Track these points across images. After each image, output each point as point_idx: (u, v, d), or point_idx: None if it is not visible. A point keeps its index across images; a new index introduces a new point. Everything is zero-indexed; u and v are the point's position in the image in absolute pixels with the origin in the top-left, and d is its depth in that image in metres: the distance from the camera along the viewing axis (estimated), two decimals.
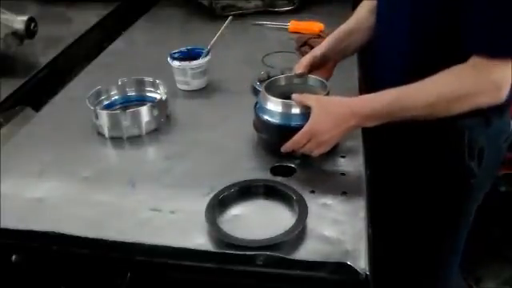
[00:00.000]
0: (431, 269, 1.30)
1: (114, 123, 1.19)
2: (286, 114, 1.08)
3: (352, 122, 1.02)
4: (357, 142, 1.14)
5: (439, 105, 1.00)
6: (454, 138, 1.13)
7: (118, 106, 1.30)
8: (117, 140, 1.20)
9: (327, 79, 1.21)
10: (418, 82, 1.00)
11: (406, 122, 1.02)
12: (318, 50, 1.22)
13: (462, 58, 0.99)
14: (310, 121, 1.03)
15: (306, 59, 1.19)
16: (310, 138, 1.03)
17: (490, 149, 1.15)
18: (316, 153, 1.05)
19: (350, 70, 1.41)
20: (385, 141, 1.21)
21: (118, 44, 1.74)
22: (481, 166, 1.16)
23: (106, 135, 1.21)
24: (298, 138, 1.04)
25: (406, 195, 1.24)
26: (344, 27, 1.27)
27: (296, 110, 1.08)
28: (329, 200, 0.99)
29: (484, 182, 1.22)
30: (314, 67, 1.20)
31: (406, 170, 1.22)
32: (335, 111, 1.04)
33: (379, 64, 1.22)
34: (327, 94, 1.11)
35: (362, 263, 0.85)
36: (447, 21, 1.02)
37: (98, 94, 1.28)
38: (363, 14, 1.27)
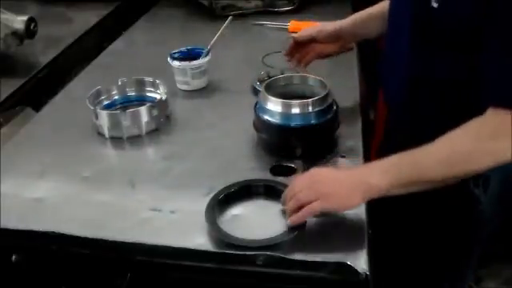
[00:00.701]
0: (433, 270, 1.29)
1: (114, 123, 1.19)
2: (285, 114, 1.08)
3: (360, 177, 0.90)
4: (357, 142, 1.14)
5: (455, 160, 0.90)
6: None
7: (118, 106, 1.30)
8: (117, 140, 1.20)
9: (332, 54, 1.29)
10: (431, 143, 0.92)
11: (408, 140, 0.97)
12: (330, 27, 1.25)
13: (462, 58, 0.99)
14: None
15: (310, 30, 1.24)
16: (306, 182, 0.92)
17: (498, 175, 1.09)
18: (313, 205, 0.88)
19: (350, 69, 1.41)
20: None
21: (118, 44, 1.74)
22: (487, 193, 1.10)
23: (106, 135, 1.21)
24: (291, 185, 0.94)
25: (407, 197, 1.23)
26: (363, 12, 1.28)
27: (296, 110, 1.08)
28: None
29: (494, 209, 1.15)
30: (318, 40, 1.25)
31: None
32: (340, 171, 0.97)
33: (384, 63, 1.21)
34: (327, 94, 1.10)
35: (362, 263, 0.85)
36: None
37: (98, 93, 1.28)
38: (385, 4, 1.25)
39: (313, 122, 1.08)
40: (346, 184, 0.90)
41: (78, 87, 1.44)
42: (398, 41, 1.13)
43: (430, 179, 0.91)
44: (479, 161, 0.90)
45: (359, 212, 0.96)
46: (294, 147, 1.10)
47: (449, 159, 0.90)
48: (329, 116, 1.10)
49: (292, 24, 1.75)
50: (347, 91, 1.28)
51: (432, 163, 0.90)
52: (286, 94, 1.14)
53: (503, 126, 0.88)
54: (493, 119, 0.90)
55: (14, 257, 0.94)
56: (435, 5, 0.95)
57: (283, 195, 0.95)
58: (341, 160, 1.08)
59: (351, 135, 1.13)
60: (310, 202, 0.88)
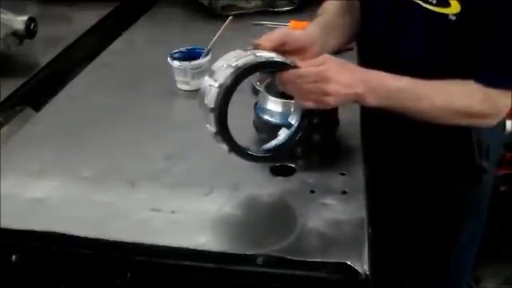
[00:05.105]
0: (434, 269, 1.29)
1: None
2: (285, 114, 1.08)
3: (359, 89, 0.98)
4: (357, 142, 1.14)
5: (448, 112, 1.01)
6: (461, 138, 1.12)
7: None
8: (116, 139, 1.20)
9: None
10: (434, 82, 1.00)
11: (410, 123, 1.02)
12: (303, 37, 1.08)
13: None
14: (322, 66, 0.97)
15: (277, 36, 1.05)
16: (316, 80, 0.96)
17: (495, 142, 1.18)
18: (309, 103, 0.98)
19: None
20: (386, 142, 1.20)
21: (118, 44, 1.74)
22: (489, 159, 1.17)
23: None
24: (305, 72, 0.97)
25: (409, 196, 1.23)
26: (321, 19, 1.19)
27: None
28: (329, 200, 0.99)
29: (491, 173, 1.22)
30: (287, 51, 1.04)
31: (410, 170, 1.21)
32: (349, 71, 0.99)
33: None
34: None
35: (362, 263, 0.85)
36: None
37: None
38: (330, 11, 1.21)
39: (313, 121, 1.08)
40: (346, 92, 0.98)
41: (78, 87, 1.44)
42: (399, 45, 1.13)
43: (419, 117, 1.02)
44: (462, 120, 1.03)
45: (359, 212, 0.96)
46: (294, 147, 1.10)
47: (442, 107, 1.01)
48: (328, 116, 1.10)
49: (292, 24, 1.75)
50: None
51: (427, 107, 1.01)
52: (286, 94, 1.14)
53: (494, 100, 1.01)
54: (487, 93, 1.00)
55: (13, 257, 0.94)
56: (453, 18, 1.00)
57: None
58: None
59: (351, 135, 1.13)
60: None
